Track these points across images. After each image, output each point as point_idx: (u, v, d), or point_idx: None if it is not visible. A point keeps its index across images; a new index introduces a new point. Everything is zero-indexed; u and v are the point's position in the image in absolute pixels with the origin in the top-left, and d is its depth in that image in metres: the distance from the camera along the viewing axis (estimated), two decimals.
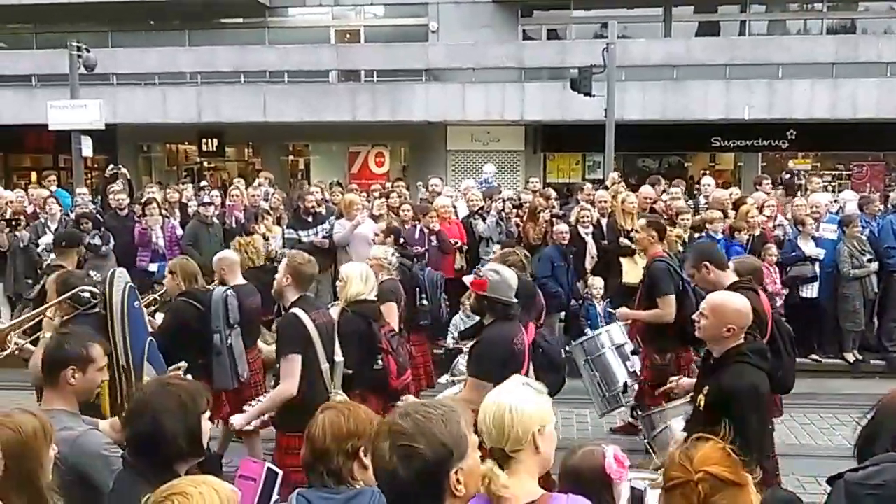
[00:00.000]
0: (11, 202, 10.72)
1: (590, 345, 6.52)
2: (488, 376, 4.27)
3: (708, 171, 17.85)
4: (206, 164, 21.79)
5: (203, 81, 19.59)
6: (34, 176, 20.94)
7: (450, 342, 9.45)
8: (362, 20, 21.46)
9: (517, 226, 10.23)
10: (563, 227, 9.62)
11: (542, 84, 18.55)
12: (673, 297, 6.35)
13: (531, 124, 19.38)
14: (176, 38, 21.33)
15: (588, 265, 9.81)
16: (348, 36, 21.41)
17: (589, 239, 9.76)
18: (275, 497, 3.19)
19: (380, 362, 5.39)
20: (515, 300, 4.66)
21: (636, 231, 7.27)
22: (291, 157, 22.09)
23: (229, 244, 9.93)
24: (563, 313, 10.02)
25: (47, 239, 9.74)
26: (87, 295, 4.90)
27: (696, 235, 9.64)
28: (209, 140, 20.87)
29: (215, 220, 10.23)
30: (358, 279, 5.48)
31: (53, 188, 11.94)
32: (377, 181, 15.93)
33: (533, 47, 19.85)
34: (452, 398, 4.79)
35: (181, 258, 6.73)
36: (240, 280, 6.54)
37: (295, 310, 4.93)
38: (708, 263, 5.08)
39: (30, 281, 9.51)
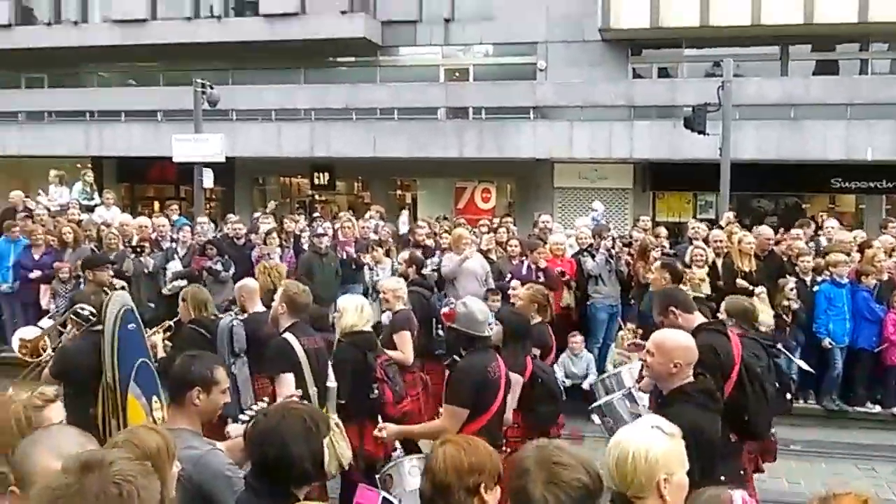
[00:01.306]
0: (144, 227, 11.23)
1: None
2: (463, 403, 4.51)
3: (826, 214, 17.13)
4: (317, 196, 22.38)
5: (316, 118, 20.24)
6: (157, 205, 22.01)
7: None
8: (471, 59, 21.77)
9: (627, 264, 10.04)
10: (701, 272, 9.38)
11: (651, 122, 18.33)
12: None
13: (640, 162, 19.11)
14: (292, 77, 22.14)
15: None
16: (457, 74, 21.74)
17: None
18: None
19: (375, 391, 5.53)
20: (482, 333, 4.77)
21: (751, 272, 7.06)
22: (399, 192, 22.45)
23: (345, 275, 10.27)
24: None
25: (175, 265, 10.18)
26: (86, 312, 5.28)
27: (819, 279, 9.24)
28: (321, 174, 21.47)
29: (330, 251, 10.47)
30: (353, 311, 5.65)
31: (175, 217, 12.49)
32: (483, 216, 16.01)
33: (643, 85, 19.67)
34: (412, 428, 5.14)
35: (193, 287, 6.98)
36: (259, 307, 6.65)
37: (286, 335, 5.21)
38: (674, 308, 4.85)
39: (152, 305, 9.94)
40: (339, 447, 4.98)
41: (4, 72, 23.73)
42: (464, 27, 21.03)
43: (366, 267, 10.49)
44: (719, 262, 9.76)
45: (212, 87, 16.30)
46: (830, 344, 9.56)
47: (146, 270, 10.39)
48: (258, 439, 2.82)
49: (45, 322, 6.97)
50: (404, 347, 6.53)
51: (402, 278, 8.12)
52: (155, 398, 4.87)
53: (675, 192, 19.88)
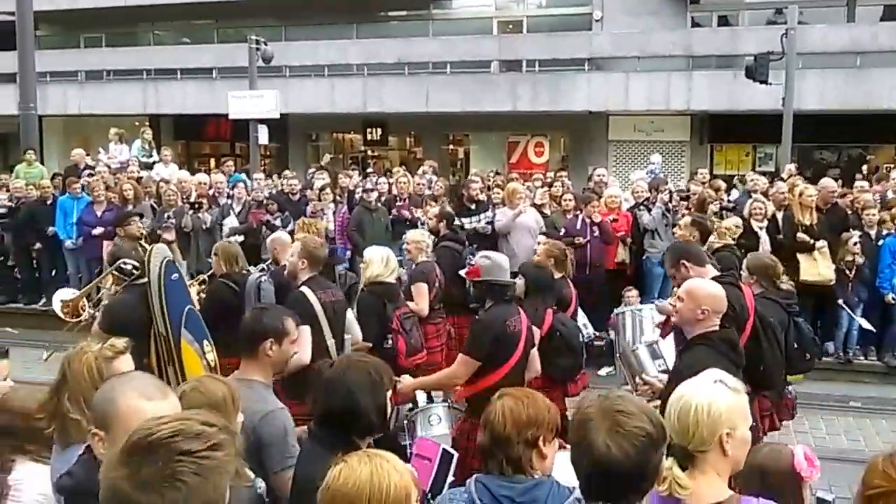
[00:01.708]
0: (202, 184, 11.41)
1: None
2: (477, 355, 4.59)
3: (894, 165, 16.56)
4: (369, 152, 22.44)
5: (369, 73, 20.16)
6: (213, 162, 22.32)
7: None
8: (525, 10, 21.42)
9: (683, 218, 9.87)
10: (735, 220, 9.20)
11: (710, 72, 17.84)
12: None
13: (697, 114, 18.66)
14: (344, 32, 22.06)
15: None
16: (510, 26, 21.41)
17: (763, 234, 9.28)
18: (450, 479, 3.23)
19: (389, 341, 5.63)
20: (512, 281, 4.90)
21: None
22: (451, 147, 22.38)
23: (396, 231, 10.31)
24: None
25: (231, 221, 10.35)
26: (128, 267, 5.37)
27: (884, 233, 8.97)
28: (373, 129, 21.50)
29: (380, 206, 10.51)
30: (378, 262, 5.80)
31: (230, 172, 12.66)
32: (536, 171, 15.86)
33: (702, 34, 19.09)
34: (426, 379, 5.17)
35: (224, 242, 7.08)
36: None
37: (303, 288, 5.34)
38: (685, 262, 4.80)
39: (210, 260, 10.12)
40: None
41: (64, 32, 24.16)
42: None
43: (419, 222, 10.51)
44: (780, 216, 9.54)
45: (266, 44, 16.34)
46: (894, 299, 9.31)
47: (204, 226, 10.58)
48: (324, 389, 2.86)
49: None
50: (419, 299, 6.62)
51: (430, 233, 8.25)
52: (206, 342, 5.01)
53: (733, 145, 19.40)
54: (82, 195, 11.63)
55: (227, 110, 16.64)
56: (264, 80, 17.14)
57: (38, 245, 11.95)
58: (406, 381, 4.98)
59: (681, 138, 19.30)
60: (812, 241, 9.14)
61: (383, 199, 11.00)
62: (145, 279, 5.15)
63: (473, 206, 10.50)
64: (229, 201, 10.99)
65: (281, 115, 16.37)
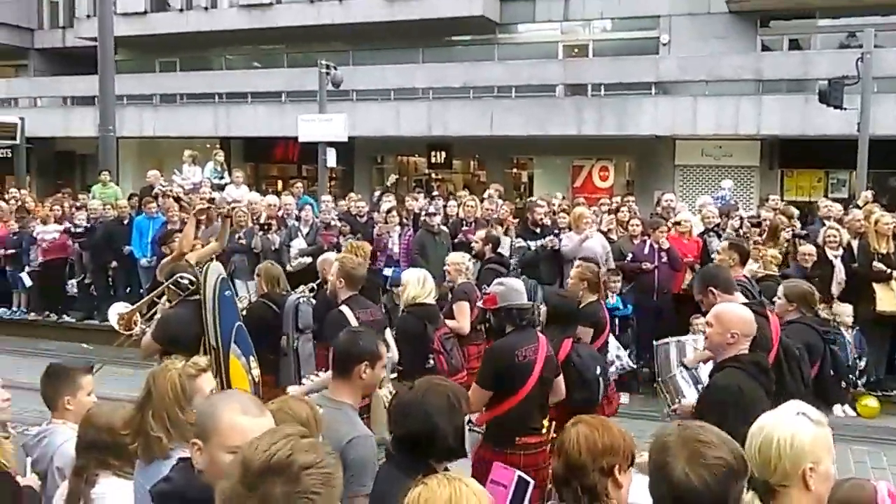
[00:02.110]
0: (272, 206, 11.64)
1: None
2: (486, 384, 4.61)
3: None
4: (433, 175, 22.59)
5: (434, 97, 20.36)
6: (280, 184, 22.75)
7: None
8: (591, 35, 21.38)
9: (755, 245, 9.68)
10: (808, 248, 9.01)
11: (781, 96, 17.52)
12: None
13: (767, 139, 18.31)
14: (410, 56, 22.35)
15: (835, 290, 9.09)
16: (576, 50, 21.41)
17: (837, 262, 9.05)
18: None
19: (431, 361, 5.73)
20: (529, 303, 4.91)
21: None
22: (515, 170, 22.37)
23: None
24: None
25: (299, 242, 10.52)
26: (185, 282, 5.61)
27: None
28: (438, 153, 21.64)
29: (443, 228, 10.56)
30: (415, 283, 5.89)
31: (299, 195, 12.88)
32: (601, 195, 15.75)
33: (772, 58, 18.80)
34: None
35: (267, 263, 7.30)
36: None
37: (342, 307, 5.53)
38: (713, 289, 4.75)
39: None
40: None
41: (141, 57, 25.02)
42: (584, 2, 20.64)
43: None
44: (855, 244, 9.29)
45: (335, 69, 16.65)
46: None
47: (273, 247, 10.78)
48: (403, 412, 2.88)
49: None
50: (461, 317, 6.73)
51: (475, 257, 8.49)
52: (251, 357, 5.24)
53: (804, 170, 18.95)
54: (157, 215, 11.96)
55: (296, 133, 16.97)
56: (332, 104, 17.46)
57: (114, 263, 12.34)
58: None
59: (750, 163, 18.95)
60: (889, 271, 8.88)
61: (449, 222, 11.07)
62: (198, 296, 5.39)
63: (538, 230, 10.51)
64: (297, 223, 11.18)
65: (348, 138, 16.63)
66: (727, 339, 3.86)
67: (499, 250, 9.24)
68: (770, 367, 4.06)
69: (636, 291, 9.62)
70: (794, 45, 19.62)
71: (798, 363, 4.72)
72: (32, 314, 13.13)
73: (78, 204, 13.79)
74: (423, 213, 10.95)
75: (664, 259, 9.46)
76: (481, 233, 9.58)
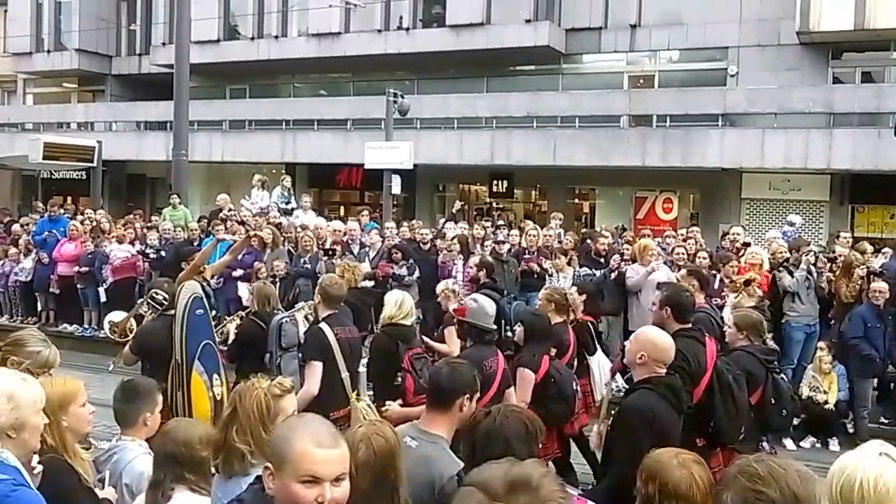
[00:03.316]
0: (337, 231, 11.80)
1: None
2: None
3: None
4: (494, 204, 22.62)
5: (497, 126, 20.42)
6: (342, 210, 23.05)
7: None
8: (657, 65, 21.27)
9: (829, 281, 9.44)
10: (881, 284, 8.77)
11: (853, 130, 17.09)
12: None
13: (838, 173, 17.89)
14: (474, 85, 22.53)
15: None
16: (642, 81, 21.30)
17: None
18: None
19: (398, 379, 5.91)
20: (492, 327, 5.28)
21: None
22: (577, 201, 22.25)
23: (525, 282, 10.33)
24: (875, 380, 9.11)
25: (364, 267, 10.63)
26: (160, 297, 6.01)
27: None
28: (499, 181, 21.67)
29: (511, 258, 10.55)
30: (392, 304, 6.11)
31: (365, 221, 13.03)
32: (664, 227, 15.57)
33: (844, 91, 18.38)
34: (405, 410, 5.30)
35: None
36: None
37: (321, 324, 5.79)
38: (670, 308, 5.09)
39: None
40: None
41: (212, 84, 25.71)
42: (650, 33, 20.58)
43: (547, 275, 10.49)
44: None
45: (402, 97, 16.87)
46: None
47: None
48: (482, 439, 2.87)
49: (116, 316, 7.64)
50: (451, 341, 6.97)
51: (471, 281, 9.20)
52: (216, 376, 5.52)
53: (876, 206, 18.45)
54: (225, 238, 12.20)
55: (360, 160, 17.20)
56: (397, 132, 17.67)
57: (250, 292, 12.55)
58: (394, 408, 5.28)
59: (819, 198, 18.52)
60: None
61: (512, 251, 11.07)
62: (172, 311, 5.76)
63: (601, 260, 10.46)
64: (365, 249, 11.30)
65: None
66: (636, 358, 4.16)
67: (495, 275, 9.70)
68: (682, 390, 4.27)
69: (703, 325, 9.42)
70: (867, 77, 19.19)
71: (731, 390, 4.89)
72: (102, 332, 13.46)
73: (149, 225, 14.21)
74: (492, 241, 10.98)
75: None
76: (475, 258, 10.19)
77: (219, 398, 5.51)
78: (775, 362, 5.74)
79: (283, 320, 6.83)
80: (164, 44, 25.08)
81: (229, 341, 7.03)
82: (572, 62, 21.91)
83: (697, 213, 19.90)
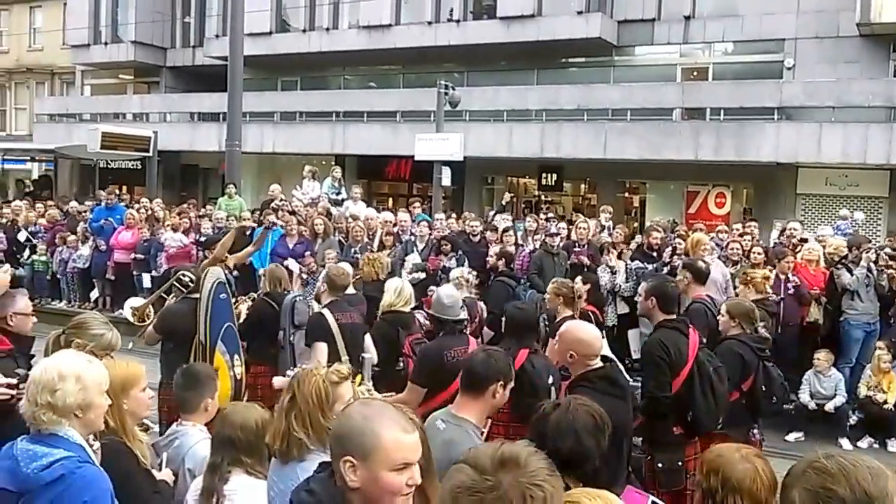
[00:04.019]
0: (388, 222, 11.85)
1: None
2: (419, 381, 5.12)
3: None
4: (543, 197, 22.50)
5: (547, 118, 20.30)
6: (391, 201, 23.15)
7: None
8: (711, 57, 20.92)
9: (890, 279, 9.19)
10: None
11: None
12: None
13: None
14: (524, 78, 22.41)
15: None
16: (695, 73, 20.98)
17: None
18: None
19: (401, 364, 6.14)
20: (450, 317, 5.36)
21: None
22: (627, 194, 22.04)
23: (574, 276, 10.23)
24: None
25: (414, 258, 10.66)
26: (186, 279, 6.29)
27: None
28: (549, 174, 21.58)
29: (561, 251, 10.48)
30: (392, 292, 6.33)
31: (416, 212, 13.06)
32: (717, 222, 15.33)
33: None
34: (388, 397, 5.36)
35: (272, 265, 7.94)
36: (350, 290, 7.19)
37: (323, 310, 6.16)
38: (655, 298, 5.20)
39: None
40: None
41: (264, 76, 26.00)
42: (704, 24, 20.26)
43: (597, 269, 10.39)
44: None
45: (453, 89, 16.85)
46: None
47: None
48: (553, 431, 2.83)
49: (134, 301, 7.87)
50: None
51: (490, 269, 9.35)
52: (236, 356, 5.90)
53: None
54: (276, 228, 12.33)
55: (409, 152, 17.23)
56: (446, 124, 17.65)
57: (235, 273, 12.75)
58: (373, 392, 5.41)
59: (878, 194, 18.06)
60: None
61: (562, 244, 10.98)
62: (198, 294, 6.05)
63: (654, 254, 10.33)
64: (413, 238, 11.32)
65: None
66: (566, 357, 4.29)
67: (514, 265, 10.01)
68: (620, 377, 4.35)
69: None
70: None
71: (710, 380, 4.97)
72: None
73: (202, 214, 14.43)
74: (544, 233, 10.92)
75: (790, 291, 9.09)
76: (495, 248, 10.23)
77: (238, 377, 5.87)
78: (767, 350, 5.83)
79: (296, 299, 7.09)
80: (217, 36, 25.46)
81: (240, 321, 7.15)
82: (624, 54, 21.67)
83: (751, 209, 19.56)
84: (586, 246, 10.84)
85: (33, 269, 15.12)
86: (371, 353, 6.23)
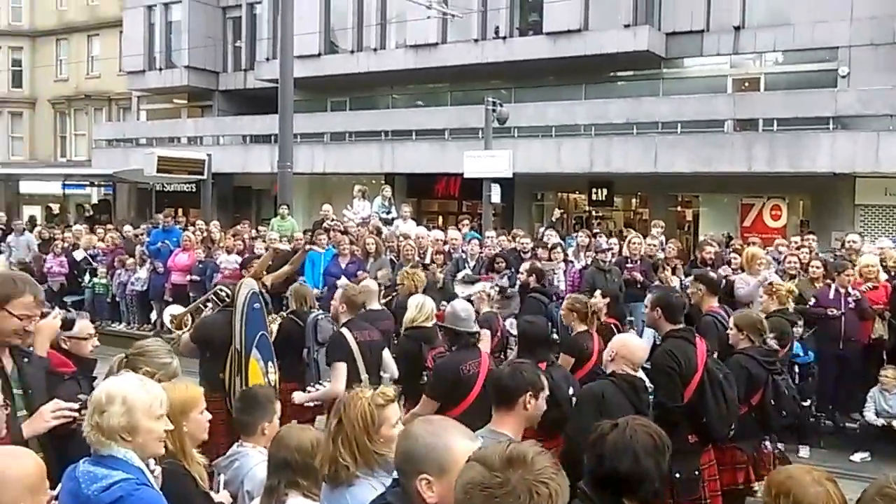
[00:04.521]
0: (438, 240, 11.89)
1: None
2: (434, 395, 5.25)
3: None
4: (594, 212, 22.34)
5: (596, 133, 20.16)
6: (440, 219, 23.21)
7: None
8: (762, 68, 20.61)
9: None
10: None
11: None
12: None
13: None
14: (573, 92, 22.33)
15: None
16: (746, 84, 20.68)
17: None
18: None
19: (425, 378, 6.11)
20: (465, 329, 5.41)
21: None
22: (679, 208, 21.75)
23: (629, 293, 10.14)
24: None
25: (461, 273, 10.67)
26: (223, 294, 6.58)
27: None
28: (599, 189, 21.41)
29: (614, 267, 10.37)
30: (413, 307, 6.43)
31: (466, 230, 13.07)
32: (773, 235, 15.03)
33: None
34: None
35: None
36: (375, 306, 7.55)
37: (343, 329, 6.26)
38: (660, 309, 5.36)
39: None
40: None
41: (314, 97, 26.36)
42: (755, 34, 19.97)
43: (650, 286, 10.25)
44: None
45: (501, 105, 16.87)
46: None
47: (438, 284, 10.92)
48: (611, 452, 2.80)
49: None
50: (483, 344, 7.04)
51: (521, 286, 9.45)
52: (270, 363, 6.14)
53: None
54: (328, 247, 12.46)
55: (458, 170, 17.27)
56: (494, 141, 17.66)
57: (289, 292, 12.89)
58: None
59: None
60: None
61: (613, 259, 10.88)
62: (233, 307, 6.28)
63: (708, 269, 10.15)
64: (463, 254, 11.33)
65: None
66: (608, 356, 4.81)
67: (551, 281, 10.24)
68: (644, 389, 4.73)
69: (819, 338, 9.03)
70: None
71: (722, 388, 5.07)
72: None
73: (255, 235, 14.64)
74: (596, 249, 10.83)
75: (851, 305, 8.85)
76: (526, 265, 10.28)
77: (273, 384, 6.03)
78: (777, 364, 5.87)
79: (319, 317, 7.23)
80: (267, 59, 25.92)
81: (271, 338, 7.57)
82: (673, 66, 21.47)
83: (808, 221, 19.11)
84: (639, 262, 10.72)
85: (93, 293, 15.51)
86: (391, 370, 6.49)
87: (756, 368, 5.62)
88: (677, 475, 4.79)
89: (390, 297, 9.47)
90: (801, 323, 8.62)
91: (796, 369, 8.66)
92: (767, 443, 5.83)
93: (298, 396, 6.20)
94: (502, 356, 7.63)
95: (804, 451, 8.67)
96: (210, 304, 6.97)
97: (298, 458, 3.51)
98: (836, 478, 5.21)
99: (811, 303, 8.97)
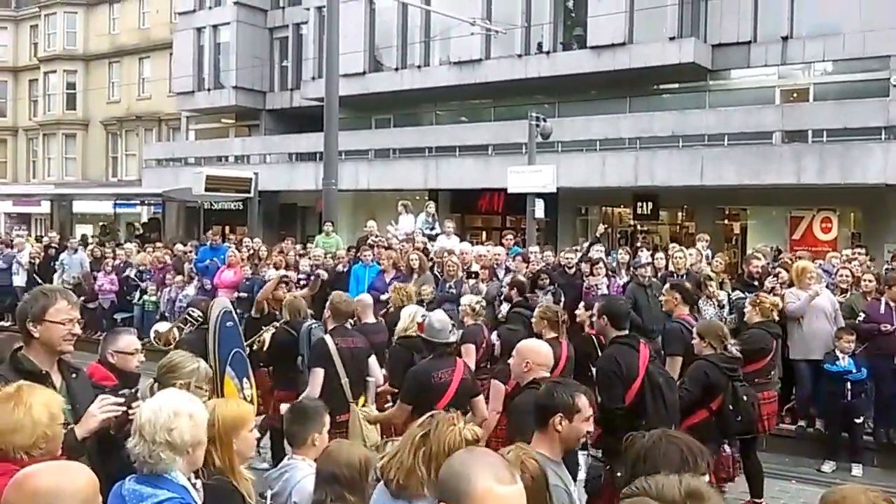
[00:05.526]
0: (482, 256, 11.90)
1: None
2: (406, 400, 5.54)
3: None
4: (639, 226, 22.15)
5: (641, 146, 20.03)
6: (484, 235, 23.22)
7: None
8: (811, 78, 20.29)
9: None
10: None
11: None
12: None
13: None
14: (616, 106, 22.21)
15: None
16: (795, 95, 20.37)
17: None
18: None
19: None
20: (440, 340, 5.60)
21: None
22: (727, 221, 21.45)
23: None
24: None
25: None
26: (196, 314, 6.94)
27: None
28: (644, 203, 21.23)
29: (654, 281, 10.26)
30: (406, 318, 6.84)
31: (510, 245, 13.07)
32: (823, 248, 14.74)
33: None
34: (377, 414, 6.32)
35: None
36: (370, 319, 7.91)
37: (325, 336, 6.55)
38: (606, 316, 5.59)
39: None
40: (366, 430, 6.25)
41: (358, 114, 26.64)
42: (804, 44, 19.67)
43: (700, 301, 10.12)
44: None
45: (545, 120, 16.86)
46: None
47: (482, 297, 10.93)
48: (634, 463, 2.79)
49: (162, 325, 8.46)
50: (467, 357, 7.15)
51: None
52: (245, 379, 6.24)
53: None
54: (372, 263, 12.54)
55: (501, 185, 17.27)
56: (538, 156, 17.64)
57: (284, 304, 12.98)
58: (373, 412, 6.31)
59: None
60: None
61: (658, 274, 10.76)
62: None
63: (755, 283, 9.98)
64: (507, 272, 11.32)
65: None
66: (522, 367, 4.90)
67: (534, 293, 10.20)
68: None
69: (872, 354, 8.82)
70: None
71: (661, 390, 5.26)
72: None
73: (301, 251, 14.79)
74: (634, 265, 10.73)
75: None
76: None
77: (249, 399, 6.14)
78: (738, 370, 6.15)
79: (312, 326, 7.51)
80: (313, 78, 26.30)
81: (265, 348, 7.87)
82: (719, 78, 21.25)
83: (859, 233, 18.72)
84: (685, 276, 10.59)
85: (143, 309, 15.81)
86: (376, 377, 6.74)
87: (715, 374, 5.94)
88: (619, 474, 4.77)
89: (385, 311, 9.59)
90: (852, 339, 8.44)
91: (848, 385, 8.47)
92: (727, 447, 6.14)
93: (284, 409, 6.26)
94: (488, 366, 7.77)
95: (857, 470, 8.48)
96: (185, 325, 7.28)
97: (347, 472, 3.54)
98: (893, 497, 5.08)
99: (860, 318, 8.77)
